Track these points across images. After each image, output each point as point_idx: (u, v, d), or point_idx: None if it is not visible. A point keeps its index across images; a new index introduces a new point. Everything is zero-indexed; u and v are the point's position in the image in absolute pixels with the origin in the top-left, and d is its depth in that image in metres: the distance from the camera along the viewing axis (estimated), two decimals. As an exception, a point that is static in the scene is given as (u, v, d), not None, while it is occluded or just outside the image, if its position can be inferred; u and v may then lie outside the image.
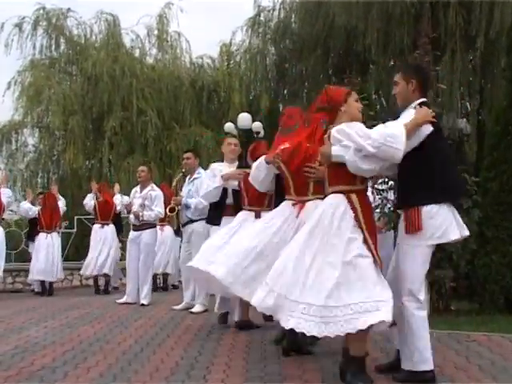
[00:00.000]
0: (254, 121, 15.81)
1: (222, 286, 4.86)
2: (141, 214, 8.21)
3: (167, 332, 5.84)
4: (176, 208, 8.03)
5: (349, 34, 16.75)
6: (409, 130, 3.50)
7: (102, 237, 10.19)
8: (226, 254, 4.92)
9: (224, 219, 5.97)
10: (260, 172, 4.99)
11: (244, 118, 15.63)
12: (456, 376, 3.86)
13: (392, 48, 16.24)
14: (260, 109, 18.04)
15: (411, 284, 3.61)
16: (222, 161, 6.54)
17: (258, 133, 15.83)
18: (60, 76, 18.68)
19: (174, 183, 8.37)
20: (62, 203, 10.74)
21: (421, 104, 3.74)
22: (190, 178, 7.67)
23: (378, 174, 3.85)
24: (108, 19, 18.63)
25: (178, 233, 9.74)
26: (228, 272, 4.71)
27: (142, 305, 8.03)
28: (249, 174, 5.26)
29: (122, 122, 17.16)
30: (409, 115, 3.66)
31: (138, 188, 8.57)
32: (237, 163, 6.25)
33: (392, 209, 5.93)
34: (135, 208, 8.29)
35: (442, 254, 6.13)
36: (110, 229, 10.25)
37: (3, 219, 10.61)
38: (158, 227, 8.85)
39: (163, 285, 10.59)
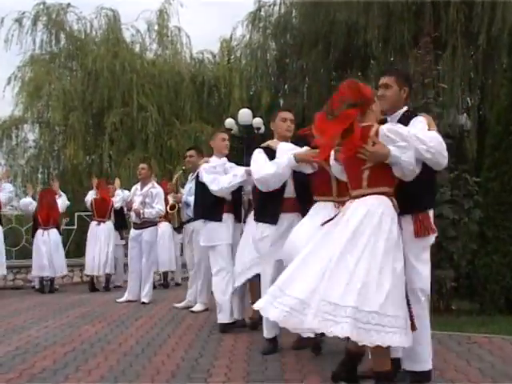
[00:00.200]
0: (254, 116, 15.82)
1: None
2: (141, 211, 8.21)
3: (168, 332, 5.85)
4: (176, 206, 8.03)
5: (349, 29, 16.73)
6: None
7: (98, 234, 10.17)
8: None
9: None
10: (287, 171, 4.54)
11: (244, 114, 15.64)
12: (456, 379, 3.86)
13: (393, 44, 16.22)
14: (260, 104, 18.03)
15: (424, 284, 3.65)
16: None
17: (258, 128, 15.84)
18: (60, 71, 18.67)
19: (173, 181, 8.35)
20: (63, 200, 10.71)
21: (408, 112, 3.84)
22: (192, 176, 7.62)
23: None
24: (108, 14, 18.61)
25: (179, 230, 9.74)
26: None
27: (143, 303, 8.04)
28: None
29: (122, 117, 17.15)
30: (419, 123, 3.69)
31: (138, 185, 8.56)
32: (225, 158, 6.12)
33: None
34: (136, 206, 8.29)
35: (443, 254, 6.15)
36: (106, 226, 10.19)
37: (4, 215, 10.62)
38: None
39: (164, 282, 10.60)
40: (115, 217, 10.36)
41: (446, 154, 3.61)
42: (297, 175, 4.65)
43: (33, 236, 10.53)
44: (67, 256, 11.80)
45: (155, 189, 8.45)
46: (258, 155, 4.82)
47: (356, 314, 3.15)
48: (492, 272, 6.29)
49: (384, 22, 15.76)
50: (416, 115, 3.83)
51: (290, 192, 4.74)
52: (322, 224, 3.68)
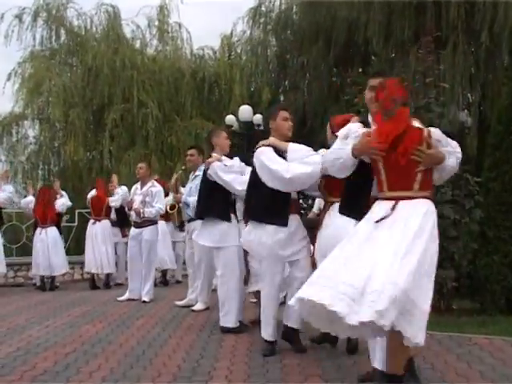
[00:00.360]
0: (254, 113, 15.79)
1: None
2: (142, 210, 8.21)
3: (169, 332, 5.85)
4: (176, 205, 8.02)
5: (350, 25, 16.69)
6: None
7: (94, 233, 10.18)
8: None
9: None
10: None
11: (245, 111, 15.61)
12: (457, 382, 3.87)
13: (393, 40, 16.19)
14: (261, 100, 18.01)
15: None
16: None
17: (258, 125, 15.82)
18: (60, 67, 18.58)
19: (172, 181, 8.35)
20: (65, 200, 10.67)
21: None
22: (192, 175, 7.61)
23: None
24: (108, 10, 18.52)
25: (181, 228, 9.75)
26: None
27: (144, 302, 8.04)
28: None
29: (122, 114, 17.10)
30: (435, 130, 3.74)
31: (138, 185, 8.56)
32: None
33: None
34: (136, 205, 8.28)
35: (443, 253, 6.14)
36: (102, 225, 10.19)
37: (4, 213, 10.61)
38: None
39: (163, 279, 10.59)
40: (116, 214, 10.35)
41: None
42: None
43: (34, 234, 10.54)
44: (67, 253, 11.82)
45: (155, 188, 8.45)
46: (271, 154, 4.70)
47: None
48: (493, 272, 6.29)
49: (385, 19, 15.73)
50: None
51: (294, 193, 4.81)
52: (377, 221, 3.41)
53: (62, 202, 10.58)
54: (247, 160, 5.63)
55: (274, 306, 4.83)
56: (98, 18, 18.63)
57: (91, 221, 10.33)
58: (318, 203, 6.95)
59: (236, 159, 5.88)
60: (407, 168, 3.42)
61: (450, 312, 6.41)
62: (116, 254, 10.48)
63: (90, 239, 10.24)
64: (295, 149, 4.70)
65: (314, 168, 4.49)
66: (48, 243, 10.14)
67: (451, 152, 3.52)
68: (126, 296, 8.31)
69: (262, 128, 15.68)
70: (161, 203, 8.40)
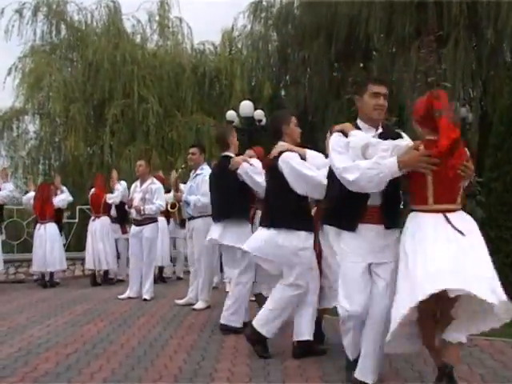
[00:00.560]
0: (255, 108, 15.74)
1: None
2: (142, 208, 8.20)
3: (170, 332, 5.86)
4: (177, 204, 8.01)
5: (351, 21, 16.65)
6: None
7: (93, 230, 10.19)
8: None
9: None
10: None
11: (246, 106, 15.55)
12: (458, 385, 3.88)
13: (394, 36, 16.15)
14: (262, 95, 17.99)
15: None
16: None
17: (259, 121, 15.77)
18: (61, 62, 18.56)
19: (173, 179, 8.33)
20: (66, 196, 10.67)
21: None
22: (193, 174, 7.59)
23: None
24: (109, 5, 18.53)
25: (182, 225, 9.74)
26: None
27: (145, 299, 8.05)
28: None
29: (123, 109, 17.10)
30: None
31: (137, 183, 8.55)
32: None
33: None
34: (136, 202, 8.28)
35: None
36: (101, 222, 10.18)
37: (5, 209, 10.61)
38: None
39: (159, 275, 10.56)
40: (116, 211, 10.35)
41: None
42: None
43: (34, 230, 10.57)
44: (68, 249, 11.83)
45: (155, 185, 8.45)
46: (299, 159, 4.64)
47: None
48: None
49: (386, 14, 15.70)
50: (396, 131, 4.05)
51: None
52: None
53: (62, 198, 10.58)
54: None
55: None
56: (99, 12, 18.68)
57: (92, 217, 10.35)
58: None
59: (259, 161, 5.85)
60: (453, 182, 3.52)
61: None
62: (117, 250, 10.47)
63: (89, 236, 10.25)
64: (314, 155, 4.70)
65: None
66: (46, 239, 10.15)
67: None
68: (127, 294, 8.32)
69: (262, 123, 15.65)
70: (161, 200, 8.39)
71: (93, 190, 10.42)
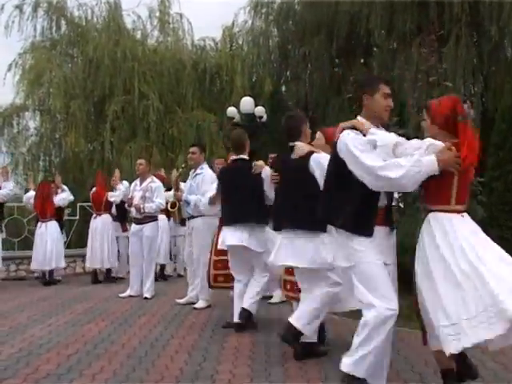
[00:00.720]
0: (256, 104, 15.71)
1: None
2: (142, 206, 8.20)
3: (171, 331, 5.86)
4: (177, 203, 8.00)
5: (352, 17, 16.63)
6: None
7: (95, 227, 10.19)
8: None
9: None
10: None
11: (246, 103, 15.52)
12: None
13: (396, 32, 16.14)
14: (263, 91, 17.97)
15: None
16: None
17: (260, 117, 15.75)
18: (61, 58, 18.53)
19: (173, 178, 8.32)
20: (67, 195, 10.66)
21: None
22: (193, 173, 7.57)
23: None
24: (109, 1, 18.54)
25: (183, 224, 9.72)
26: None
27: (145, 298, 8.06)
28: None
29: (123, 105, 17.09)
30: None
31: (137, 181, 8.55)
32: None
33: None
34: (136, 201, 8.27)
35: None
36: (102, 219, 10.20)
37: (5, 206, 10.61)
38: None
39: (160, 273, 10.56)
40: (117, 209, 10.34)
41: None
42: None
43: (35, 228, 10.57)
44: (69, 247, 11.83)
45: (155, 183, 8.44)
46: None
47: None
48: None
49: (387, 11, 15.68)
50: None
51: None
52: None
53: (63, 197, 10.58)
54: None
55: None
56: (99, 8, 18.68)
57: (93, 216, 10.35)
58: None
59: None
60: (468, 183, 3.63)
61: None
62: (118, 248, 10.47)
63: (90, 234, 10.26)
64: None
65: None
66: (47, 237, 10.15)
67: None
68: (128, 292, 8.32)
69: (263, 120, 15.63)
70: (161, 198, 8.38)
71: (94, 187, 10.42)
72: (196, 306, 7.16)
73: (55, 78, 17.22)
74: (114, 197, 9.92)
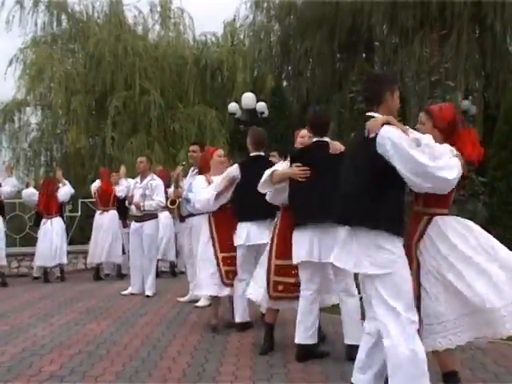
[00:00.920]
0: (258, 100, 15.69)
1: None
2: (142, 204, 8.20)
3: (173, 331, 5.87)
4: (177, 201, 7.98)
5: (354, 13, 16.60)
6: None
7: (102, 223, 10.21)
8: None
9: None
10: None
11: (248, 99, 15.49)
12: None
13: (398, 27, 16.10)
14: (264, 87, 17.95)
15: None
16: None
17: (262, 113, 15.73)
18: (62, 54, 18.48)
19: (174, 175, 8.32)
20: (68, 188, 10.67)
21: None
22: (193, 171, 7.55)
23: None
24: (110, -4, 18.40)
25: (183, 220, 9.71)
26: None
27: (147, 296, 8.07)
28: None
29: (124, 101, 17.03)
30: None
31: (138, 179, 8.55)
32: None
33: None
34: (136, 199, 8.28)
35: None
36: (110, 215, 10.23)
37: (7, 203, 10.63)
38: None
39: (171, 270, 10.58)
40: (117, 206, 10.35)
41: None
42: None
43: (36, 225, 10.59)
44: (71, 243, 11.84)
45: (155, 181, 8.43)
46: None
47: None
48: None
49: (389, 6, 15.63)
50: None
51: None
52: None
53: (65, 191, 10.57)
54: None
55: None
56: (100, 3, 18.64)
57: (98, 211, 10.33)
58: None
59: None
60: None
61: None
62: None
63: (95, 229, 10.26)
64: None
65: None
66: (53, 234, 10.18)
67: None
68: (129, 290, 8.34)
69: (265, 116, 15.60)
70: (161, 196, 8.37)
71: (96, 183, 10.43)
72: (198, 304, 7.17)
73: (56, 73, 17.16)
74: (121, 192, 9.95)
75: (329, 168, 4.43)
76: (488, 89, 16.37)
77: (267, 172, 4.95)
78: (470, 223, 3.65)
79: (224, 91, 18.39)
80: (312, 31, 17.80)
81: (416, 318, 3.36)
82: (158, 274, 9.69)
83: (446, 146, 3.49)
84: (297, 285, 4.86)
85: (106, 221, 10.19)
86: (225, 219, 5.94)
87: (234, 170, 5.78)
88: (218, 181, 5.93)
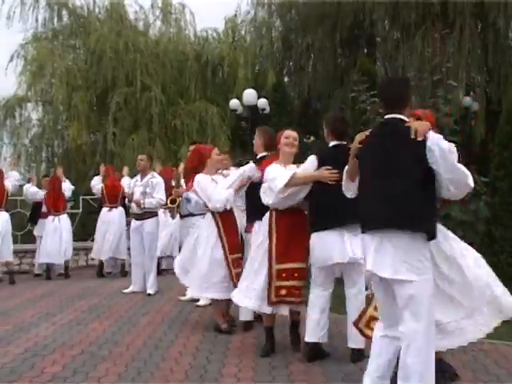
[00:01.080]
0: (259, 94, 15.66)
1: None
2: (142, 201, 8.20)
3: (175, 331, 5.88)
4: (177, 200, 7.98)
5: (356, 8, 16.55)
6: None
7: (109, 220, 10.23)
8: None
9: None
10: None
11: (249, 95, 15.47)
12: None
13: (399, 22, 16.05)
14: (266, 83, 17.92)
15: None
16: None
17: (263, 109, 15.71)
18: (63, 49, 18.44)
19: (176, 174, 8.32)
20: (68, 185, 10.72)
21: None
22: (192, 170, 7.51)
23: None
24: (111, -9, 18.34)
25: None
26: None
27: (149, 294, 8.08)
28: None
29: (126, 97, 16.98)
30: None
31: (138, 177, 8.54)
32: None
33: None
34: (136, 196, 8.28)
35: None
36: (119, 212, 10.26)
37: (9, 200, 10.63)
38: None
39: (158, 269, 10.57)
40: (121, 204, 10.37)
41: None
42: None
43: (35, 223, 10.63)
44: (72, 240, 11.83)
45: (155, 179, 8.42)
46: None
47: None
48: (498, 272, 6.27)
49: (391, 1, 15.57)
50: None
51: None
52: None
53: (68, 188, 10.66)
54: None
55: None
56: (101, -2, 18.48)
57: (105, 209, 10.32)
58: None
59: None
60: None
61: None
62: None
63: (100, 225, 10.29)
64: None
65: None
66: (61, 231, 10.21)
67: None
68: (131, 289, 8.35)
69: (266, 112, 15.59)
70: (161, 194, 8.37)
71: (96, 178, 10.45)
72: (199, 303, 7.17)
73: (57, 69, 17.10)
74: (126, 187, 9.96)
75: None
76: (490, 84, 16.33)
77: (286, 175, 4.68)
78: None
79: (225, 87, 18.34)
80: (313, 27, 17.74)
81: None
82: (160, 272, 9.69)
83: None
84: (300, 288, 4.86)
85: (114, 217, 10.22)
86: (231, 219, 5.86)
87: (249, 169, 5.52)
88: (231, 179, 5.68)
